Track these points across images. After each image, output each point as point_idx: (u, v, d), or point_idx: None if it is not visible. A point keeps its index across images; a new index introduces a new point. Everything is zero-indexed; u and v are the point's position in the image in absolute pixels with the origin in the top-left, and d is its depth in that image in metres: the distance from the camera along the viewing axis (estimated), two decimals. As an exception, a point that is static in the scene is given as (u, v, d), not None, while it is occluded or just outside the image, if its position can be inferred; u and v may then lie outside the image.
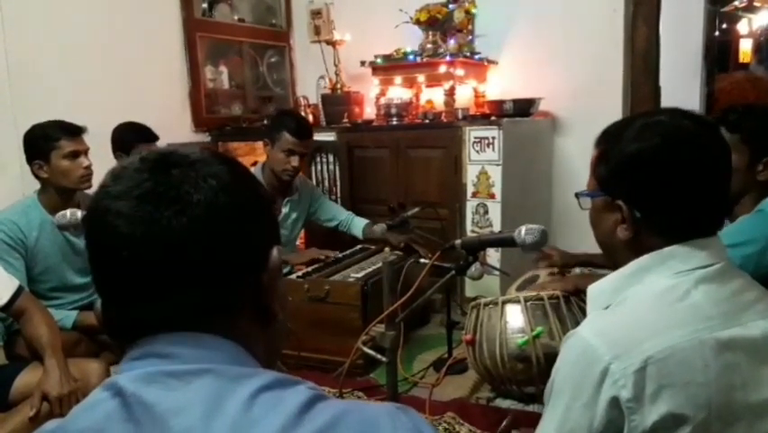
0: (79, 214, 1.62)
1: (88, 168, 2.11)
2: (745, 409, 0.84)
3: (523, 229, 1.34)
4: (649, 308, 0.90)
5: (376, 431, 0.57)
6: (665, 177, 0.92)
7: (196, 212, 0.60)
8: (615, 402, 0.82)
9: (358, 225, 2.74)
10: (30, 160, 2.07)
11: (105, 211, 0.61)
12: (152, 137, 2.53)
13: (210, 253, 0.61)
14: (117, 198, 0.60)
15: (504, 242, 1.43)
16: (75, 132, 2.10)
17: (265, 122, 3.29)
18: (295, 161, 2.50)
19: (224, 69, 3.71)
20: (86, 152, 2.12)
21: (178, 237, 0.59)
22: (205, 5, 3.60)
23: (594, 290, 1.00)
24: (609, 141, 1.00)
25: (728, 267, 0.94)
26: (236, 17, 3.76)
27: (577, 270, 1.90)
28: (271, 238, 0.69)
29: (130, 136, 2.49)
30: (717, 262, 0.92)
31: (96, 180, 2.26)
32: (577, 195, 1.06)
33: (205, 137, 3.51)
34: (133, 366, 0.60)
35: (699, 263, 0.91)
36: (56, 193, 2.10)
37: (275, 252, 0.68)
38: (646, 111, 1.05)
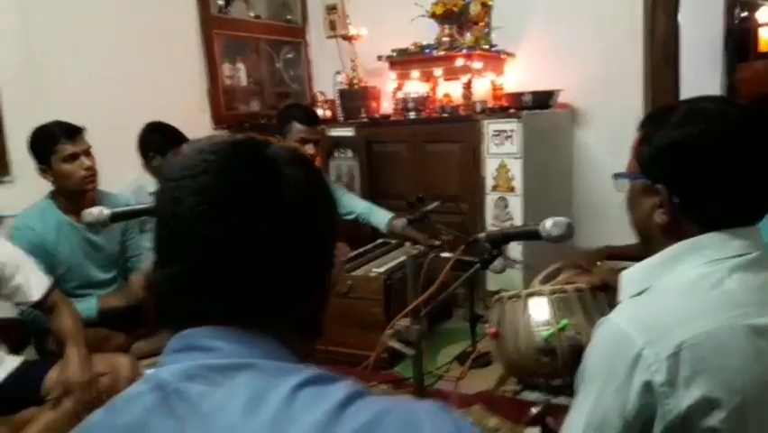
0: (106, 212, 1.64)
1: (89, 168, 2.06)
2: None
3: (549, 222, 1.33)
4: (682, 295, 0.90)
5: (416, 432, 0.56)
6: (707, 164, 0.91)
7: (275, 215, 0.62)
8: (648, 387, 0.83)
9: (380, 217, 2.68)
10: (37, 164, 2.05)
11: (186, 184, 0.62)
12: (184, 139, 2.54)
13: (274, 257, 0.62)
14: (204, 172, 0.62)
15: (528, 235, 1.42)
16: (72, 133, 2.04)
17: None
18: (310, 149, 2.53)
19: (241, 65, 3.72)
20: (86, 151, 2.07)
21: (252, 232, 0.61)
22: (221, 2, 3.61)
23: (626, 277, 1.00)
24: (654, 124, 0.99)
25: (764, 257, 0.93)
26: (252, 14, 3.78)
27: (609, 263, 1.86)
28: (330, 260, 0.71)
29: (163, 138, 2.51)
30: (753, 252, 0.91)
31: (113, 180, 2.27)
32: (615, 176, 1.05)
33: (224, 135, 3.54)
34: (176, 359, 0.60)
35: (733, 252, 0.91)
36: (65, 195, 2.08)
37: (332, 274, 0.70)
38: (691, 98, 1.04)
